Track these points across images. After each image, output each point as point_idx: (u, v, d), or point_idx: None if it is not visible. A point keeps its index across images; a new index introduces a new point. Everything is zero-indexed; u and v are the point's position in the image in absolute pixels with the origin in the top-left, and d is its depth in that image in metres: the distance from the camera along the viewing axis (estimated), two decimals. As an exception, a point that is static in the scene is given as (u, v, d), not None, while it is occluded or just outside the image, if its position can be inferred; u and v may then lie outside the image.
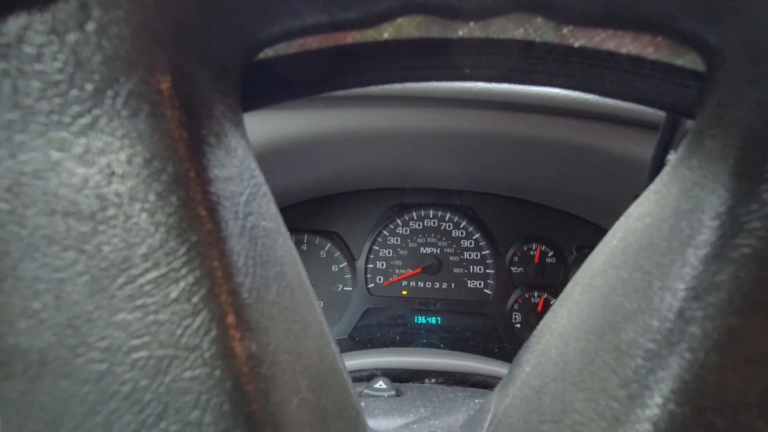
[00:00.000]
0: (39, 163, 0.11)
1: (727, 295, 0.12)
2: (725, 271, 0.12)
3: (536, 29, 0.17)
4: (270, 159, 0.57)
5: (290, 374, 0.13)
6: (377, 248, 0.76)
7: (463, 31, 0.17)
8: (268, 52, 0.17)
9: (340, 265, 0.76)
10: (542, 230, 0.75)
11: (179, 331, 0.11)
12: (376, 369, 0.56)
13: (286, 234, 0.17)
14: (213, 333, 0.11)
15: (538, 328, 0.19)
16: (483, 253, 0.75)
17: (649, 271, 0.14)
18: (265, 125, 0.52)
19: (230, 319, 0.12)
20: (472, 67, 0.17)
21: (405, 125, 0.52)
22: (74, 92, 0.11)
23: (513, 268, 0.75)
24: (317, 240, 0.76)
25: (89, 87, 0.11)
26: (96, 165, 0.11)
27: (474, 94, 0.49)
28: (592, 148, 0.53)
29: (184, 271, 0.12)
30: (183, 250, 0.12)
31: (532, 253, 0.75)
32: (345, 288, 0.76)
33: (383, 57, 0.18)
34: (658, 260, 0.14)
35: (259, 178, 0.16)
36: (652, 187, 0.17)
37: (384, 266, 0.76)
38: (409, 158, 0.64)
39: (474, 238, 0.75)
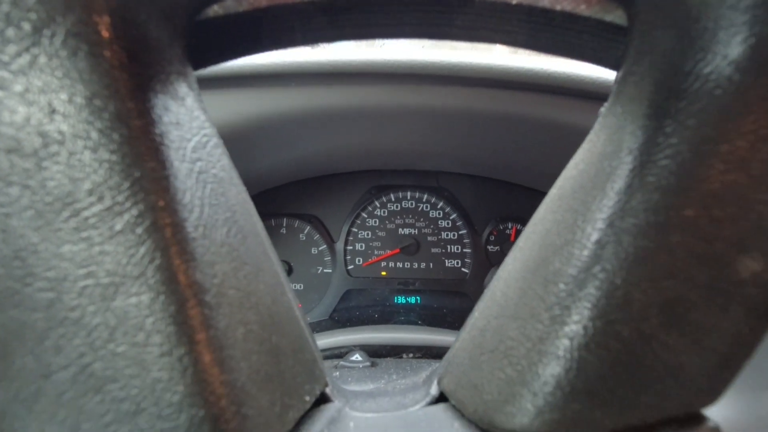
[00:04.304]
0: None
1: (635, 220, 0.13)
2: (635, 199, 0.13)
3: (476, -13, 0.18)
4: (245, 141, 0.57)
5: (237, 307, 0.14)
6: (356, 230, 0.77)
7: (407, -12, 0.18)
8: (218, 10, 0.18)
9: (320, 248, 0.76)
10: (518, 209, 0.77)
11: (124, 260, 0.12)
12: (355, 346, 0.58)
13: (241, 187, 0.18)
14: (157, 261, 0.12)
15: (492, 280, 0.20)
16: (460, 233, 0.77)
17: (576, 210, 0.16)
18: (238, 104, 0.52)
19: (174, 249, 0.12)
20: (415, 24, 0.18)
21: (377, 102, 0.52)
22: (11, 31, 0.11)
23: (489, 247, 0.77)
24: (296, 223, 0.76)
25: (26, 26, 0.12)
26: (37, 103, 0.12)
27: (446, 69, 0.49)
28: (564, 125, 0.54)
29: (128, 204, 0.12)
30: (127, 184, 0.12)
31: (508, 231, 0.77)
32: (325, 270, 0.76)
33: (331, 15, 0.18)
34: (584, 199, 0.15)
35: (210, 129, 0.16)
36: (587, 137, 0.18)
37: (363, 248, 0.77)
38: (384, 139, 0.65)
39: (451, 218, 0.77)
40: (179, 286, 0.12)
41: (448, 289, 0.77)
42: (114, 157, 0.12)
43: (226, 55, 0.18)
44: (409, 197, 0.77)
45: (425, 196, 0.77)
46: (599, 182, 0.15)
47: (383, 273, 0.77)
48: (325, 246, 0.76)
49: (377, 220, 0.77)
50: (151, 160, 0.13)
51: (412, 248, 0.76)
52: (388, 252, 0.76)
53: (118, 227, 0.12)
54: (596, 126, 0.17)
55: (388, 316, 0.74)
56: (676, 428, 0.14)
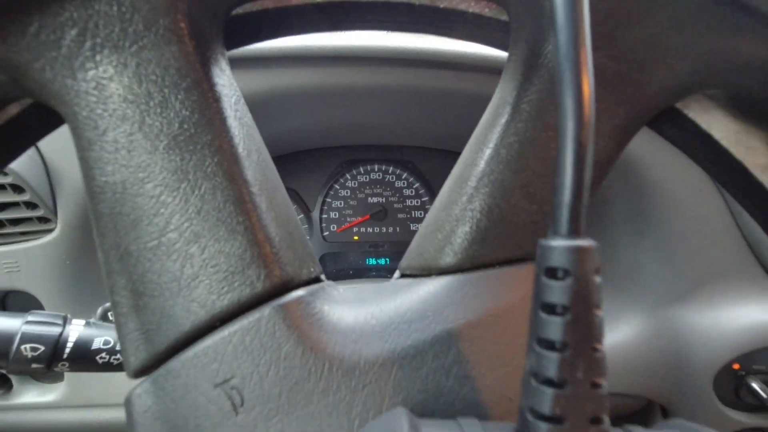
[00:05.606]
0: (111, 72, 0.19)
1: (509, 140, 0.23)
2: (509, 129, 0.23)
3: (416, -5, 0.26)
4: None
5: (269, 202, 0.22)
6: (330, 200, 0.85)
7: (370, -4, 0.26)
8: (239, 10, 0.25)
9: (298, 217, 0.84)
10: (472, 179, 0.87)
11: (206, 164, 0.20)
12: None
13: (259, 134, 0.26)
14: (225, 166, 0.20)
15: None
16: (422, 200, 0.86)
17: (481, 140, 0.25)
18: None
19: (235, 158, 0.21)
20: (377, 21, 0.27)
21: (346, 83, 0.60)
22: (131, 28, 0.19)
23: (449, 212, 0.87)
24: (275, 196, 0.83)
25: (140, 25, 0.19)
26: (146, 73, 0.19)
27: (405, 53, 0.58)
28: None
29: (205, 132, 0.20)
30: (204, 121, 0.20)
31: (464, 198, 0.87)
32: (303, 237, 0.84)
33: (321, 14, 0.26)
34: (486, 132, 0.25)
35: (239, 93, 0.24)
36: (493, 96, 0.27)
37: (337, 216, 0.85)
38: (353, 117, 0.73)
39: (414, 187, 0.86)
40: (240, 178, 0.20)
41: (413, 250, 0.86)
42: (195, 105, 0.20)
43: (249, 40, 0.26)
44: (377, 169, 0.86)
45: (391, 168, 0.86)
46: (494, 121, 0.24)
47: (356, 237, 0.86)
48: (302, 215, 0.84)
49: (349, 191, 0.85)
50: (216, 108, 0.21)
51: (380, 215, 0.85)
52: (360, 218, 0.85)
53: (199, 147, 0.20)
54: (497, 88, 0.27)
55: (361, 276, 0.83)
56: (529, 262, 0.24)
